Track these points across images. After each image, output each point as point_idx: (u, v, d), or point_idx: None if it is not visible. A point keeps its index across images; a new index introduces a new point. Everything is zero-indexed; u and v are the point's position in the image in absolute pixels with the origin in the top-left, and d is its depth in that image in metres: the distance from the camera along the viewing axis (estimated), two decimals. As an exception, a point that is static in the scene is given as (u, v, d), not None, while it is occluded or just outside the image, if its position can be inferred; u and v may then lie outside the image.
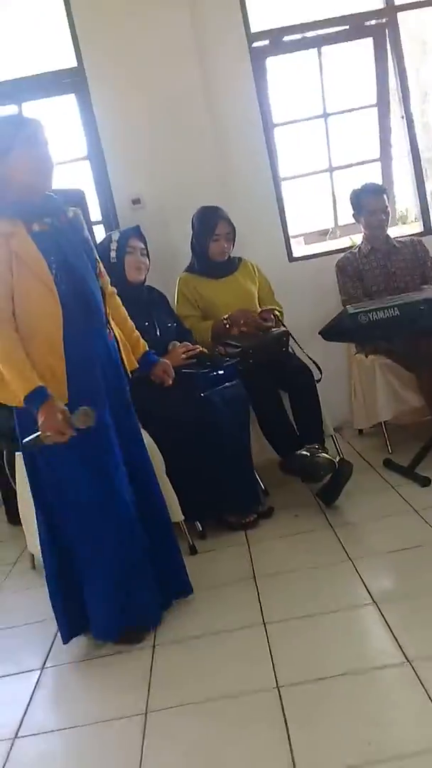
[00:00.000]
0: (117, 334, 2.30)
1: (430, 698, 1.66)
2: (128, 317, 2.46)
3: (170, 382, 2.50)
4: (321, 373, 3.22)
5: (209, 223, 3.33)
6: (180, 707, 1.84)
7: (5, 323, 2.01)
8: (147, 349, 2.49)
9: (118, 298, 2.44)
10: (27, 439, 1.99)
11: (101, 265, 2.30)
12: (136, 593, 2.18)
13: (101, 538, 2.14)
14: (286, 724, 1.68)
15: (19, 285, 2.02)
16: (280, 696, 1.79)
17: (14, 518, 3.34)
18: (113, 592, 2.16)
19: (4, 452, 3.37)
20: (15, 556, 3.18)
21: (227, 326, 3.22)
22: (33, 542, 2.62)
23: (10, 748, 1.83)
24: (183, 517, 2.73)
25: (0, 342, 2.00)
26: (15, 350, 2.00)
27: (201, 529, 2.93)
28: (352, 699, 1.74)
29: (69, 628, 2.23)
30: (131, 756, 1.68)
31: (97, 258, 2.27)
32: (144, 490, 2.27)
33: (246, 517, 2.94)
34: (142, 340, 2.49)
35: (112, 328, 2.26)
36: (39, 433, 1.95)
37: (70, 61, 3.83)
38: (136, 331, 2.49)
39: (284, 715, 1.71)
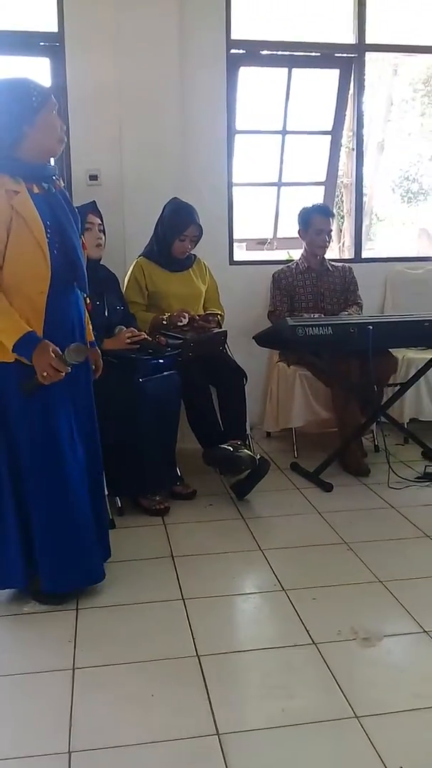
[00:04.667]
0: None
1: (332, 675, 1.91)
2: None
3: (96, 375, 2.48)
4: (246, 378, 3.44)
5: (181, 223, 3.40)
6: (106, 666, 1.99)
7: None
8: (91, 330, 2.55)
9: None
10: (25, 383, 2.07)
11: (83, 238, 2.39)
12: (86, 553, 2.30)
13: (54, 498, 2.23)
14: (206, 687, 1.87)
15: (14, 243, 2.08)
16: (200, 663, 1.98)
17: None
18: (67, 550, 2.26)
19: None
20: None
21: (164, 323, 3.36)
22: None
23: None
24: (107, 492, 2.86)
25: None
26: (0, 302, 2.07)
27: (120, 505, 3.07)
28: (266, 671, 1.97)
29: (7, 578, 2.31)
30: (62, 704, 1.81)
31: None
32: (91, 458, 2.39)
33: (158, 503, 3.08)
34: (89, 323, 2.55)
35: (86, 299, 2.36)
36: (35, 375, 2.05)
37: (51, 26, 3.81)
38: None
39: (204, 679, 1.91)
